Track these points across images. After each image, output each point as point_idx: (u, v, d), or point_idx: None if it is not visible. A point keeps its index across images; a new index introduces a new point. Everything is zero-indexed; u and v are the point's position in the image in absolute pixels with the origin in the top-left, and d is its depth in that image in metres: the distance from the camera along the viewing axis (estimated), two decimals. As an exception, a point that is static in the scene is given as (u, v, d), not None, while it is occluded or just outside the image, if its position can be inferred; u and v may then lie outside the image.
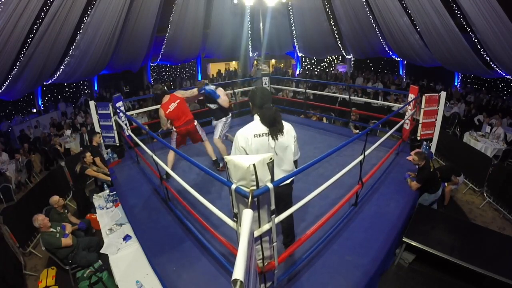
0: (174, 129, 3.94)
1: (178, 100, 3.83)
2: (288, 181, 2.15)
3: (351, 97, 6.42)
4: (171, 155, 4.00)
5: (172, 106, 3.78)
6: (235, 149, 2.15)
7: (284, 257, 2.21)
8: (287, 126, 2.18)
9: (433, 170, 3.75)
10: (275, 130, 2.09)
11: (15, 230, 4.17)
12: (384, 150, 4.28)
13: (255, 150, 2.07)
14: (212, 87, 4.12)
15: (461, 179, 4.45)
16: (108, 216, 3.83)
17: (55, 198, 3.98)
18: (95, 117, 5.05)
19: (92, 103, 4.97)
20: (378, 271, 2.59)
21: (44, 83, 10.46)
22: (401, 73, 13.79)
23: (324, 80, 13.06)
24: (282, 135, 2.12)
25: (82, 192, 4.79)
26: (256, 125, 2.11)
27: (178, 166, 4.35)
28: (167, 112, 3.76)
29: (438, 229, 3.21)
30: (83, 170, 4.53)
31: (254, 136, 2.07)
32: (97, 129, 5.14)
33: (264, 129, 2.09)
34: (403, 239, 3.01)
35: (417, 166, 3.72)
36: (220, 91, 4.13)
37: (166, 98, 3.81)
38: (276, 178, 1.93)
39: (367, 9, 10.37)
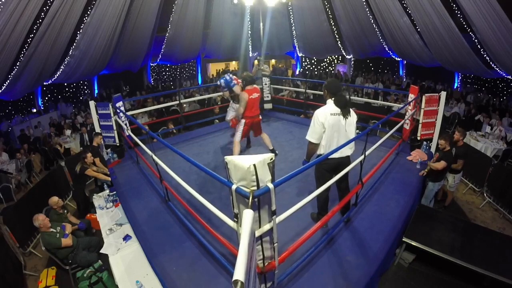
0: (242, 119, 4.25)
1: (259, 94, 4.28)
2: (349, 154, 2.77)
3: (351, 97, 6.42)
4: (237, 147, 4.28)
5: (255, 95, 4.18)
6: (314, 124, 2.63)
7: (284, 257, 2.21)
8: (351, 110, 2.75)
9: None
10: (346, 111, 2.65)
11: (15, 230, 4.16)
12: (384, 150, 4.29)
13: (331, 126, 2.60)
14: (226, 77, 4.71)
15: (458, 177, 4.44)
16: (108, 216, 3.82)
17: (54, 199, 3.97)
18: (95, 117, 5.05)
19: (92, 103, 4.97)
20: (378, 271, 2.59)
21: (44, 83, 10.45)
22: (401, 73, 13.79)
23: (324, 80, 13.05)
24: (349, 115, 2.68)
25: (82, 192, 4.78)
26: (331, 107, 2.64)
27: (178, 166, 4.34)
28: (250, 97, 4.10)
29: (438, 229, 3.21)
30: (83, 170, 4.52)
31: (331, 114, 2.61)
32: (97, 129, 5.14)
33: (337, 110, 2.62)
34: (403, 239, 3.01)
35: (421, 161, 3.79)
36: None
37: (251, 86, 4.19)
38: (343, 152, 2.66)
39: (367, 9, 10.37)
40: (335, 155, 2.61)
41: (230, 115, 4.95)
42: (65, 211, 4.11)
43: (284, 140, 5.38)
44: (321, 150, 2.71)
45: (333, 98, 2.66)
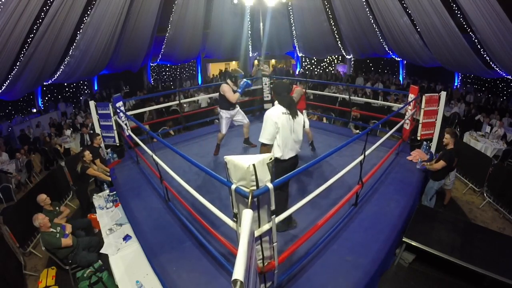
0: None
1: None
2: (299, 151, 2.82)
3: (351, 97, 6.43)
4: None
5: None
6: (267, 125, 2.60)
7: (284, 257, 2.21)
8: (298, 111, 2.80)
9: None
10: (292, 111, 2.69)
11: (15, 230, 4.16)
12: (384, 150, 4.28)
13: (284, 125, 2.61)
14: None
15: (453, 174, 4.44)
16: (108, 216, 3.82)
17: (42, 197, 3.92)
18: (95, 117, 5.05)
19: (92, 103, 4.97)
20: (378, 271, 2.59)
21: (44, 83, 10.46)
22: (401, 73, 13.80)
23: (324, 80, 13.07)
24: (297, 115, 2.73)
25: (85, 191, 4.77)
26: (279, 107, 2.69)
27: (178, 166, 4.34)
28: None
29: (438, 229, 3.21)
30: (84, 169, 4.51)
31: (282, 114, 2.63)
32: (97, 129, 5.13)
33: (286, 110, 2.66)
34: (403, 239, 3.01)
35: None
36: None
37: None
38: (292, 152, 2.71)
39: (367, 9, 10.37)
40: (291, 155, 2.72)
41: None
42: (57, 208, 4.10)
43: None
44: (278, 152, 2.65)
45: (279, 99, 2.73)
